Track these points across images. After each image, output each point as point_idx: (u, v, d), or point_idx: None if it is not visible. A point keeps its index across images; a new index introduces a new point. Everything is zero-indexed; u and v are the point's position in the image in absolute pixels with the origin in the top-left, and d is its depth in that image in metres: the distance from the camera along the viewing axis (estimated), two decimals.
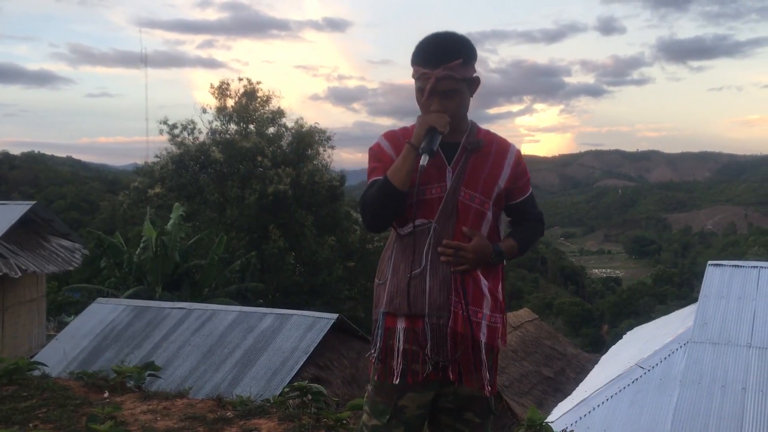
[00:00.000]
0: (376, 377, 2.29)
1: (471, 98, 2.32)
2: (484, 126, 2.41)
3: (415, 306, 2.21)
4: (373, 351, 2.32)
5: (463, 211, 2.25)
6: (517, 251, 2.37)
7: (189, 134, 25.50)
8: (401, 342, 2.23)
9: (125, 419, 4.10)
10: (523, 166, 2.38)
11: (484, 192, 2.27)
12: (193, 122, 25.64)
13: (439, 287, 2.21)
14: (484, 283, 2.26)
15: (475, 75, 2.28)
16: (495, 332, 2.28)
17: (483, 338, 2.24)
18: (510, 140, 2.39)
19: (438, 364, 2.21)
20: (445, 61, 2.18)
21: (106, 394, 4.68)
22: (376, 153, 2.36)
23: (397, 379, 2.22)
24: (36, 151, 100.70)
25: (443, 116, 2.19)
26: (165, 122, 25.38)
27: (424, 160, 2.14)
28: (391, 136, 2.37)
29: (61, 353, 9.20)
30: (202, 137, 25.72)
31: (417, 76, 2.24)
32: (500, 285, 2.36)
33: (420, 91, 2.25)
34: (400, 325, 2.24)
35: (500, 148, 2.35)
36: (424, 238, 2.24)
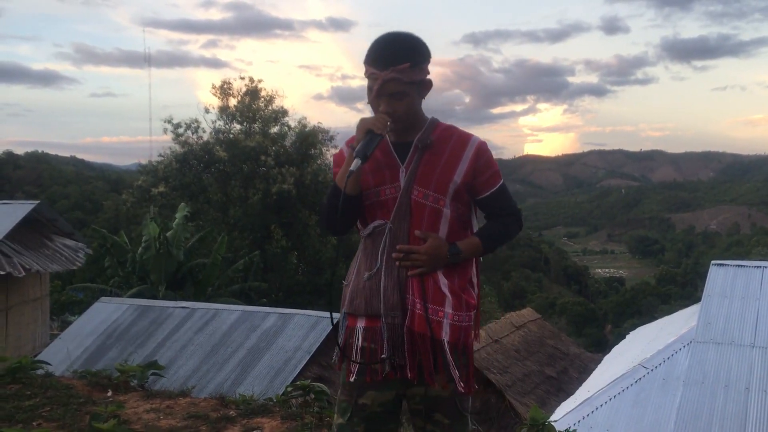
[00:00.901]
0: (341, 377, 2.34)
1: (423, 100, 2.32)
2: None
3: (371, 306, 2.24)
4: (336, 350, 2.34)
5: (417, 210, 2.24)
6: (481, 248, 2.32)
7: (193, 133, 25.55)
8: (360, 340, 2.26)
9: (128, 418, 4.11)
10: (486, 159, 2.32)
11: (437, 189, 2.25)
12: (197, 121, 25.70)
13: (392, 287, 2.22)
14: (443, 282, 2.23)
15: (427, 77, 2.28)
16: (459, 330, 2.24)
17: (446, 337, 2.21)
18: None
19: (394, 364, 2.22)
20: (394, 63, 2.17)
21: (110, 393, 4.69)
22: (336, 160, 2.41)
23: (352, 376, 2.25)
24: (40, 151, 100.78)
25: (382, 118, 2.19)
26: (169, 121, 25.42)
27: (355, 164, 2.14)
28: (352, 141, 2.35)
29: (64, 352, 9.22)
30: (205, 137, 25.78)
31: (367, 75, 2.24)
32: (468, 282, 2.33)
33: (370, 90, 2.25)
34: (360, 324, 2.27)
35: (458, 142, 2.31)
36: (380, 239, 2.26)
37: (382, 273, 2.24)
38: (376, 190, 2.26)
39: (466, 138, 2.33)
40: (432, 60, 2.31)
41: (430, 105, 2.34)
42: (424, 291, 2.21)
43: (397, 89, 2.20)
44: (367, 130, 2.17)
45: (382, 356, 2.21)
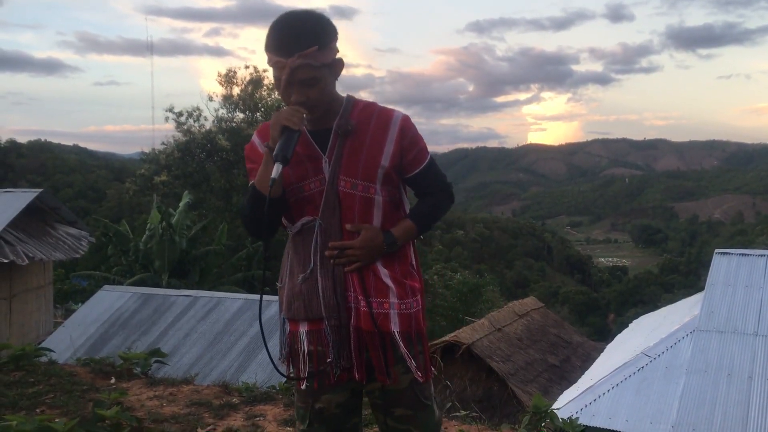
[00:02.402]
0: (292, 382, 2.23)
1: (336, 80, 2.12)
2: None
3: (311, 310, 2.11)
4: (280, 357, 2.23)
5: (347, 201, 2.10)
6: (416, 231, 2.20)
7: (195, 121, 25.58)
8: (305, 344, 2.13)
9: (131, 405, 4.12)
10: (412, 135, 2.16)
11: (366, 177, 2.09)
12: (198, 109, 25.73)
13: (332, 287, 2.09)
14: (383, 272, 2.12)
15: (337, 57, 2.06)
16: (409, 318, 2.13)
17: (396, 328, 2.10)
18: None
19: (342, 367, 2.11)
20: (300, 48, 1.95)
21: (113, 381, 4.71)
22: (249, 154, 2.22)
23: (303, 384, 2.15)
24: (43, 140, 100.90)
25: (297, 111, 2.01)
26: (171, 110, 25.46)
27: (276, 170, 1.95)
28: (264, 132, 2.19)
29: (68, 340, 9.25)
30: (208, 125, 25.80)
31: (272, 64, 2.03)
32: (410, 267, 2.21)
33: (277, 80, 2.04)
34: (303, 328, 2.14)
35: (380, 123, 2.13)
36: (311, 237, 2.11)
37: (318, 273, 2.10)
38: (300, 185, 2.10)
39: (387, 116, 2.15)
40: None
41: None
42: (364, 286, 2.09)
43: (308, 75, 1.99)
44: (282, 128, 1.99)
45: (328, 360, 2.10)
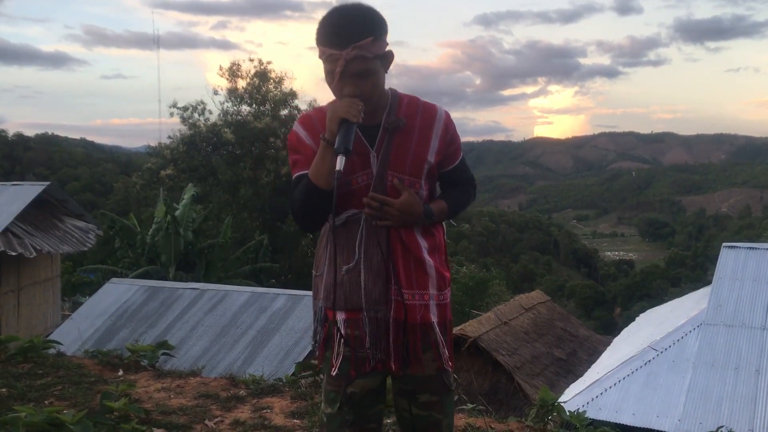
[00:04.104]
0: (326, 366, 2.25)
1: (386, 73, 2.13)
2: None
3: (351, 301, 2.13)
4: (314, 342, 2.27)
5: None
6: (446, 214, 2.23)
7: (200, 115, 25.57)
8: (342, 329, 2.15)
9: (139, 397, 4.14)
10: (453, 131, 2.21)
11: (412, 172, 2.13)
12: (203, 102, 25.71)
13: (373, 280, 2.11)
14: (429, 263, 2.16)
15: (387, 49, 2.07)
16: (444, 309, 2.20)
17: (434, 319, 2.16)
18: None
19: (378, 358, 2.15)
20: (355, 39, 1.96)
21: (121, 373, 4.72)
22: (293, 145, 2.22)
23: (335, 370, 2.17)
24: (50, 133, 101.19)
25: (354, 103, 2.01)
26: (174, 105, 25.45)
27: (340, 163, 1.97)
28: (307, 122, 2.21)
29: (76, 332, 9.29)
30: (213, 118, 25.78)
31: (324, 58, 2.03)
32: (444, 257, 2.26)
33: (329, 74, 2.04)
34: (340, 316, 2.16)
35: (426, 118, 2.17)
36: (356, 230, 2.13)
37: (362, 266, 2.12)
38: (347, 179, 2.09)
39: (432, 111, 2.19)
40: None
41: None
42: (407, 276, 2.12)
43: (362, 67, 2.00)
44: (341, 120, 2.00)
45: (367, 348, 2.13)
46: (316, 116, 2.20)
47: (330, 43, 2.00)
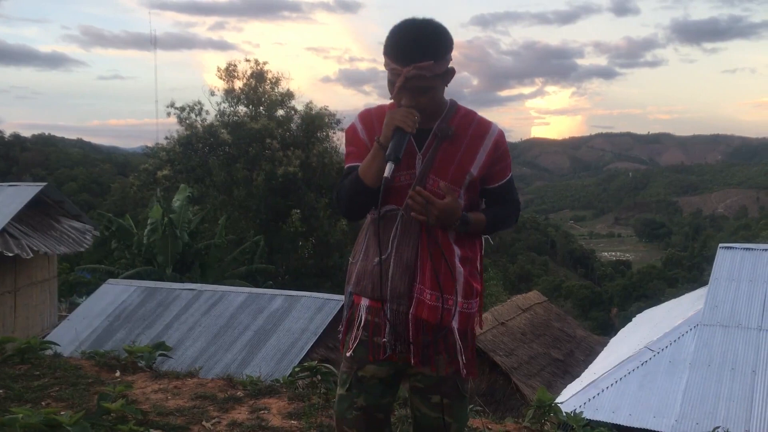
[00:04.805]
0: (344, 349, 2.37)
1: (446, 87, 2.23)
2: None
3: (377, 291, 2.22)
4: (341, 327, 2.38)
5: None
6: (484, 227, 2.29)
7: (196, 116, 25.56)
8: (363, 315, 2.27)
9: (136, 398, 4.13)
10: (503, 150, 2.29)
11: (453, 180, 2.21)
12: (199, 103, 25.71)
13: (401, 274, 2.20)
14: (459, 270, 2.22)
15: (449, 67, 2.17)
16: (469, 318, 2.26)
17: (455, 324, 2.22)
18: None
19: (396, 349, 2.23)
20: (416, 59, 2.06)
21: (118, 374, 4.72)
22: (350, 137, 2.35)
23: (350, 352, 2.28)
24: (47, 134, 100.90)
25: (411, 114, 2.11)
26: (172, 105, 25.46)
27: (388, 170, 2.09)
28: (366, 118, 2.32)
29: (73, 333, 9.28)
30: (209, 119, 25.78)
31: (388, 69, 2.15)
32: (476, 269, 2.31)
33: (391, 83, 2.15)
34: (364, 303, 2.28)
35: (478, 132, 2.26)
36: (392, 225, 2.23)
37: (392, 260, 2.21)
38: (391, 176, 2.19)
39: (485, 127, 2.27)
40: None
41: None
42: (436, 280, 2.17)
43: (422, 84, 2.11)
44: (395, 128, 2.11)
45: (383, 339, 2.22)
46: (375, 114, 2.31)
47: (394, 57, 2.11)
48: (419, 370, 2.26)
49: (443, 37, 2.13)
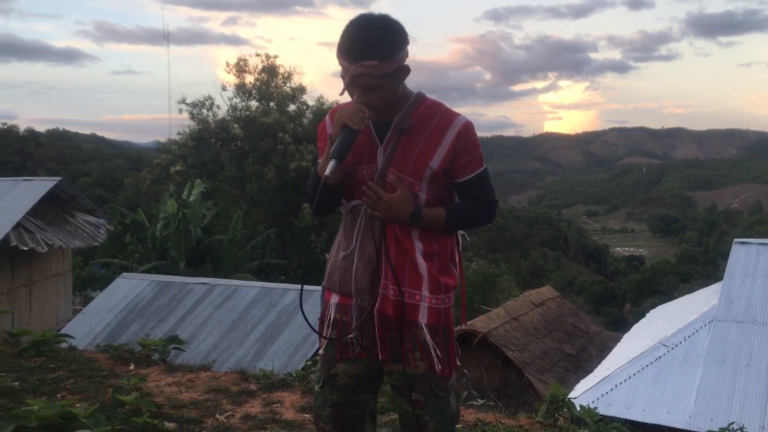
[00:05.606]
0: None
1: (401, 83, 2.18)
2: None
3: (344, 286, 2.24)
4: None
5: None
6: (442, 222, 2.21)
7: (208, 110, 25.64)
8: (332, 313, 2.28)
9: (150, 391, 4.16)
10: (468, 143, 2.20)
11: (413, 173, 2.16)
12: (210, 98, 25.78)
13: (362, 269, 2.19)
14: (422, 265, 2.18)
15: (402, 64, 2.12)
16: (439, 313, 2.20)
17: (423, 320, 2.18)
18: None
19: (363, 345, 2.22)
20: (364, 57, 2.03)
21: (132, 367, 4.75)
22: (320, 133, 2.37)
23: (321, 349, 2.30)
24: (61, 128, 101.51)
25: (359, 111, 2.10)
26: (183, 101, 25.55)
27: (330, 168, 2.07)
28: (334, 115, 2.28)
29: (87, 327, 9.35)
30: (221, 113, 25.85)
31: (339, 64, 2.12)
32: (449, 262, 2.27)
33: (343, 79, 2.14)
34: (334, 300, 2.29)
35: (440, 124, 2.19)
36: (357, 219, 2.24)
37: (356, 255, 2.21)
38: (354, 169, 2.20)
39: (449, 119, 2.20)
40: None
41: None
42: (399, 275, 2.15)
43: (369, 83, 2.08)
44: (342, 126, 2.10)
45: (350, 335, 2.22)
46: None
47: (342, 54, 2.09)
48: (390, 367, 2.24)
49: (393, 37, 2.09)
